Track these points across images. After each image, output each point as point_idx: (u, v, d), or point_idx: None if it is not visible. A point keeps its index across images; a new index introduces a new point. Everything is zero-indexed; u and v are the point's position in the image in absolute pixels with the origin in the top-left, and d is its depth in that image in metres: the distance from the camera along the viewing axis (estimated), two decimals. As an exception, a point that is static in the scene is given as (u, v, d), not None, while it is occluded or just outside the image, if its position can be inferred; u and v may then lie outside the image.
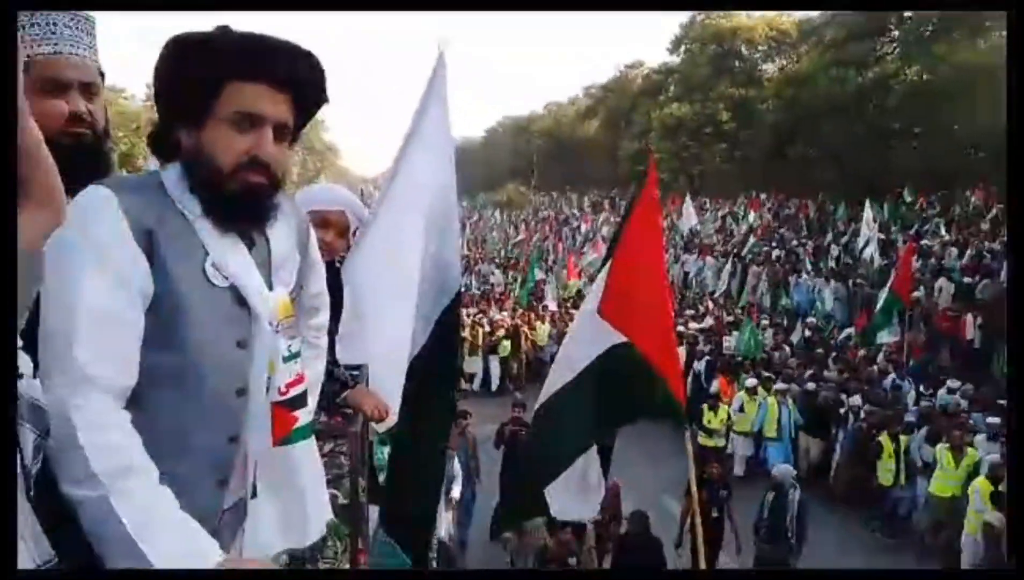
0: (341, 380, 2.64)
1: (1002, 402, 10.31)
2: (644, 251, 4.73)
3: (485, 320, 17.54)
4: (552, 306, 19.33)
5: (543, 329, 17.63)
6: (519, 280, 23.39)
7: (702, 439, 11.37)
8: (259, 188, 1.40)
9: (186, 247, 1.35)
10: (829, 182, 26.72)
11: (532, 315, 18.54)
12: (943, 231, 19.99)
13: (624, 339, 4.60)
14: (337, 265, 2.89)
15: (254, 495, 1.51)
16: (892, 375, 12.52)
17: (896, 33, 27.27)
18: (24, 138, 0.84)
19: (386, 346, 3.06)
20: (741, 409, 11.84)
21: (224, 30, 1.39)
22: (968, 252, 16.92)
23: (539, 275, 23.68)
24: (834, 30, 29.66)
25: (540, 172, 57.23)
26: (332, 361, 2.58)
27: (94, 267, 1.24)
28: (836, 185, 26.42)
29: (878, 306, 13.61)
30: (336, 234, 2.72)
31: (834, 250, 21.18)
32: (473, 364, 16.28)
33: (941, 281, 15.48)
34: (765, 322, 16.57)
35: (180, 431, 1.36)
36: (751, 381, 12.01)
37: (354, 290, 2.90)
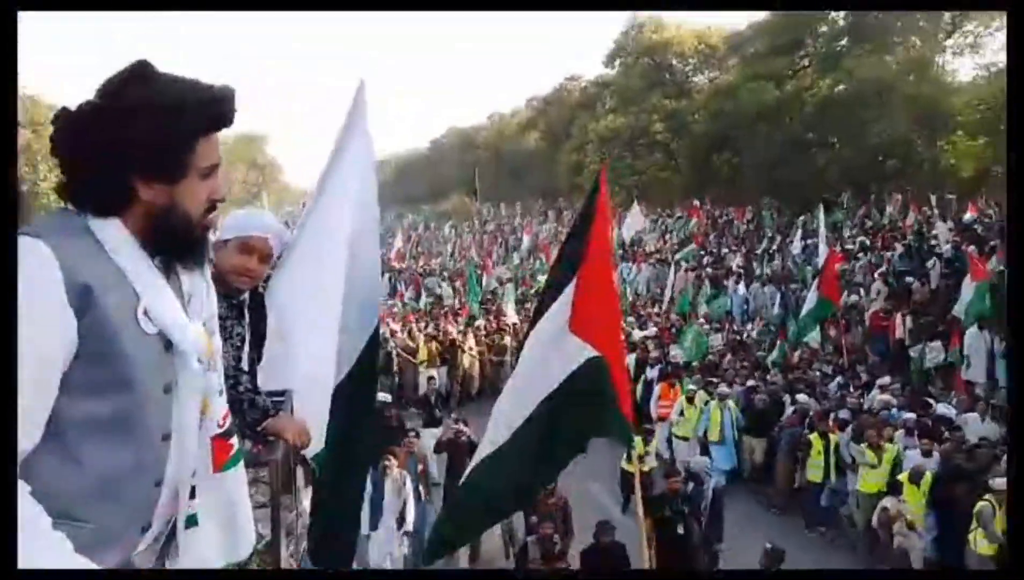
0: (263, 408, 2.66)
1: (926, 399, 11.16)
2: (599, 266, 4.83)
3: (424, 333, 17.09)
4: (512, 317, 19.08)
5: (504, 341, 17.14)
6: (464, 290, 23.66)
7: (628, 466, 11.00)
8: (207, 231, 1.49)
9: (120, 298, 1.35)
10: (760, 189, 28.02)
11: (493, 325, 18.22)
12: (867, 238, 20.59)
13: (596, 354, 4.62)
14: (260, 290, 2.91)
15: (195, 524, 1.55)
16: (838, 378, 12.97)
17: (811, 48, 28.81)
18: None
19: (310, 369, 3.11)
20: (681, 413, 11.95)
21: (177, 83, 1.40)
22: (895, 253, 17.62)
23: (485, 285, 23.78)
24: (756, 45, 31.17)
25: (484, 183, 57.87)
26: (254, 389, 2.70)
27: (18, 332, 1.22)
28: (766, 192, 27.74)
29: (806, 309, 14.07)
30: (259, 260, 2.71)
31: (776, 256, 21.75)
32: (425, 379, 15.78)
33: (877, 283, 16.02)
34: (707, 327, 16.92)
35: (109, 479, 1.36)
36: (691, 387, 12.22)
37: (278, 315, 2.93)
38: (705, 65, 38.05)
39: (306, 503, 3.18)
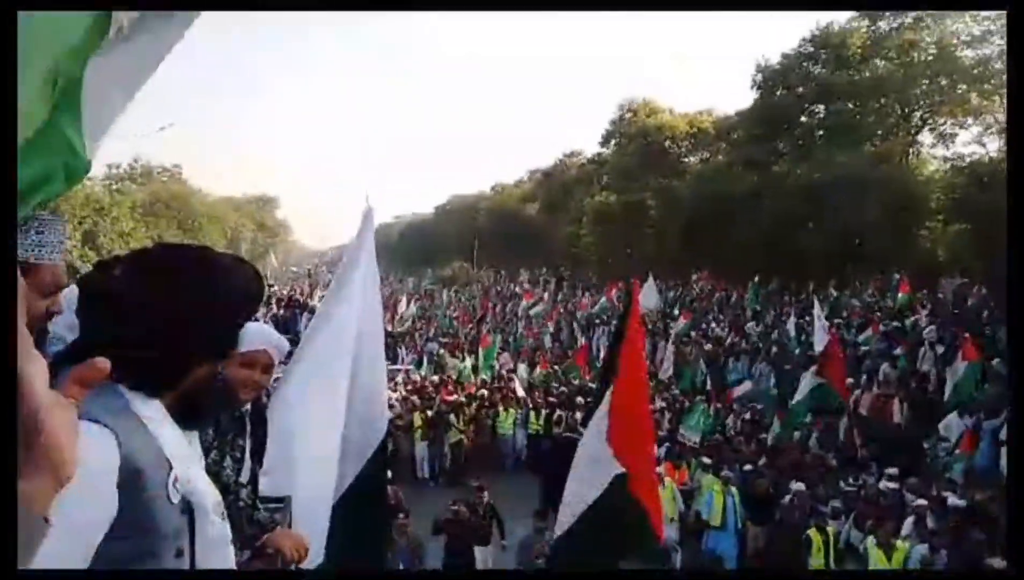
0: (261, 523, 2.67)
1: (941, 493, 10.12)
2: (632, 380, 4.80)
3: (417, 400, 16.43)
4: (520, 392, 18.49)
5: (508, 416, 16.61)
6: (473, 359, 23.08)
7: None
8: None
9: (158, 474, 1.34)
10: (745, 268, 29.45)
11: (497, 396, 17.64)
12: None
13: (622, 470, 4.58)
14: (263, 402, 3.00)
15: None
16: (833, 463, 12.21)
17: (783, 144, 30.77)
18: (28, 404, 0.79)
19: (311, 477, 3.12)
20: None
21: (237, 266, 1.53)
22: (875, 336, 17.40)
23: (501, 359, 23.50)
24: (739, 132, 33.19)
25: (485, 250, 59.59)
26: (253, 504, 2.73)
27: (63, 512, 1.10)
28: (751, 270, 29.14)
29: (802, 392, 13.23)
30: (262, 371, 2.78)
31: (773, 335, 21.52)
32: (420, 450, 15.40)
33: (885, 365, 15.58)
34: (706, 405, 15.99)
35: None
36: (707, 478, 11.35)
37: (281, 425, 2.99)
38: (697, 147, 40.09)
39: None
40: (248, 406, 2.85)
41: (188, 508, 1.41)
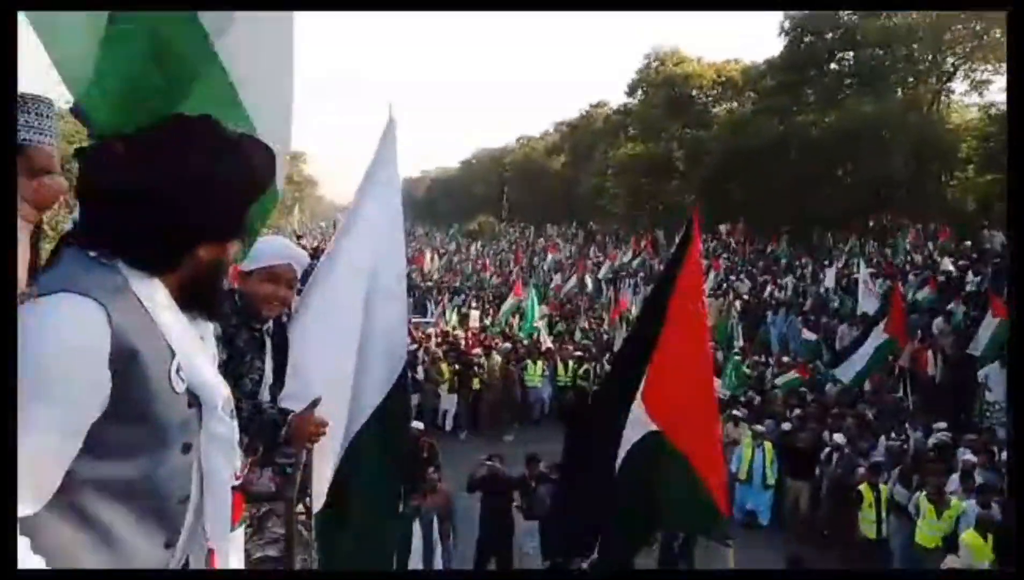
0: (274, 421, 2.55)
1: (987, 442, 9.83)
2: (686, 332, 4.13)
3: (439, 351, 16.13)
4: (548, 344, 18.53)
5: (536, 368, 16.31)
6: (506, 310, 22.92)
7: None
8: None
9: (158, 358, 1.31)
10: (772, 219, 29.37)
11: (522, 351, 17.24)
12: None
13: (656, 428, 4.11)
14: (284, 321, 2.95)
15: None
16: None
17: (816, 86, 30.27)
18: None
19: (328, 406, 2.95)
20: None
21: (247, 142, 1.47)
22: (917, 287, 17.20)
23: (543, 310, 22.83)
24: (767, 80, 32.72)
25: (511, 203, 59.64)
26: (257, 407, 2.60)
27: (50, 393, 1.18)
28: (777, 222, 29.07)
29: (870, 350, 13.02)
30: (285, 287, 2.76)
31: (811, 289, 21.06)
32: (446, 402, 15.14)
33: (939, 320, 15.22)
34: (742, 357, 15.77)
35: (119, 542, 1.31)
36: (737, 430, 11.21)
37: (298, 350, 2.94)
38: (723, 97, 39.54)
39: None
40: (270, 325, 2.80)
41: (197, 402, 1.40)
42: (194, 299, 1.43)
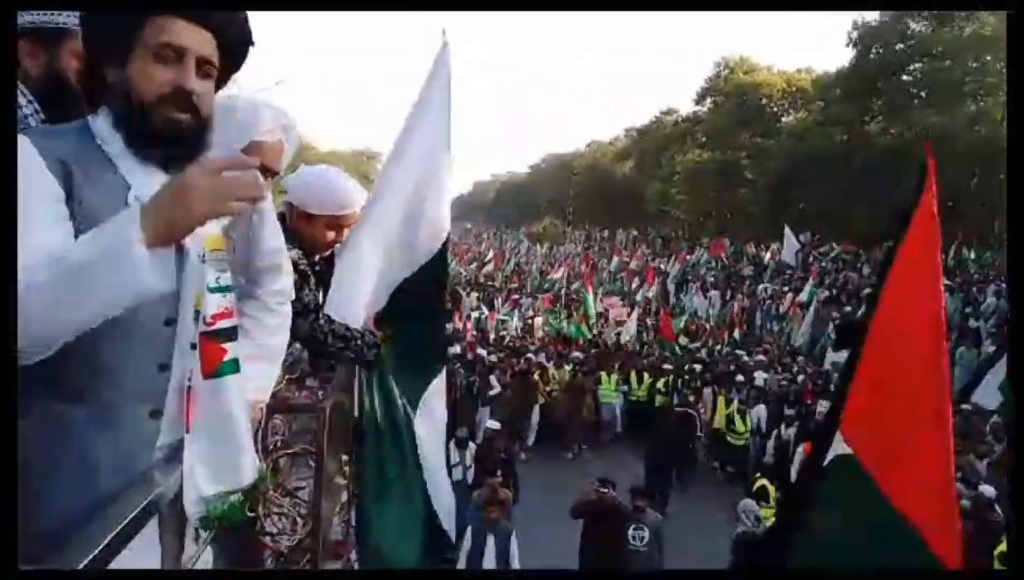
0: (343, 336, 2.77)
1: None
2: (909, 348, 2.70)
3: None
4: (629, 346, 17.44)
5: (610, 381, 14.67)
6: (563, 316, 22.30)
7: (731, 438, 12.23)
8: (181, 124, 1.42)
9: (108, 184, 1.37)
10: (830, 228, 29.66)
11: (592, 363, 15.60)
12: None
13: (849, 451, 2.80)
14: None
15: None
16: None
17: (880, 102, 30.51)
18: None
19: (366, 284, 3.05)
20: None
21: None
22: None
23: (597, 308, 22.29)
24: (837, 90, 33.04)
25: (577, 208, 60.59)
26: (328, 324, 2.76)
27: (23, 210, 1.22)
28: (836, 232, 29.31)
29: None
30: (347, 230, 2.83)
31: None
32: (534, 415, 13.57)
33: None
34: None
35: (108, 359, 1.37)
36: None
37: (342, 268, 2.95)
38: (792, 107, 39.83)
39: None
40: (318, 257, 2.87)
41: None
42: (125, 135, 1.43)
